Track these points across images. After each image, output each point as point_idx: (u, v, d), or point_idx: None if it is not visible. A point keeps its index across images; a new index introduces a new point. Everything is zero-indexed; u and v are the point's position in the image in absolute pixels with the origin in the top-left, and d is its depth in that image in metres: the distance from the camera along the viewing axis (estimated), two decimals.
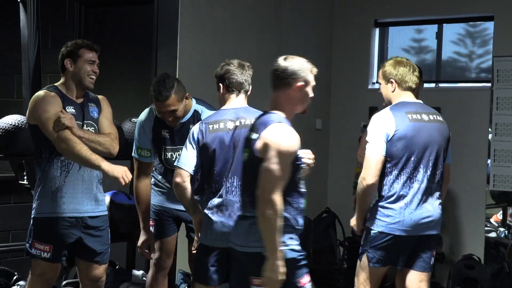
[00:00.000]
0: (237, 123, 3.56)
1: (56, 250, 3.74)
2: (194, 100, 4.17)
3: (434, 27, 6.31)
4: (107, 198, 4.40)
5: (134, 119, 4.62)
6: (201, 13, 5.28)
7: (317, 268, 5.75)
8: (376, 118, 3.75)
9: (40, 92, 3.78)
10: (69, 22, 5.42)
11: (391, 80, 3.80)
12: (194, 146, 3.55)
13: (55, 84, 3.84)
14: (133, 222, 4.38)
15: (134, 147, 4.08)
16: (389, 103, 3.81)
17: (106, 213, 3.93)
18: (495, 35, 5.88)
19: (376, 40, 6.52)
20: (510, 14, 5.80)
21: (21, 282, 4.38)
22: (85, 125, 3.81)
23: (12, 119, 4.23)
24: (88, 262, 3.84)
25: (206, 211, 3.55)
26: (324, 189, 6.43)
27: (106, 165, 3.65)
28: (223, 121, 3.56)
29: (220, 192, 3.51)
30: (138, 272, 4.44)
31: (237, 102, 3.65)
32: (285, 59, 3.29)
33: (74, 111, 3.78)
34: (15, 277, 4.42)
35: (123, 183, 3.65)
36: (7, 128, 4.19)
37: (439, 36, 6.28)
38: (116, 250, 4.42)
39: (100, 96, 3.99)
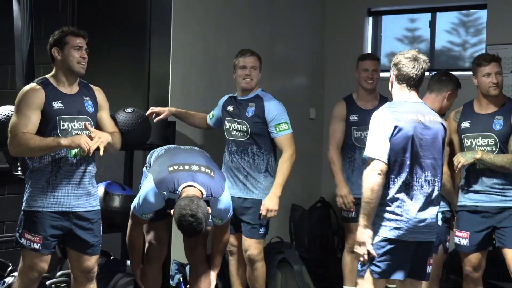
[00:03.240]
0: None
1: (46, 241, 3.74)
2: None
3: (428, 16, 6.31)
4: (101, 189, 4.40)
5: (127, 109, 4.62)
6: (194, 0, 5.26)
7: (311, 257, 5.76)
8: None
9: (26, 87, 3.78)
10: (62, 12, 5.39)
11: None
12: None
13: (47, 76, 3.83)
14: (127, 212, 4.37)
15: (138, 208, 4.04)
16: None
17: (99, 207, 3.92)
18: (488, 23, 5.87)
19: (370, 29, 6.50)
20: (502, 2, 5.79)
21: (16, 273, 4.37)
22: (76, 120, 3.79)
23: (4, 110, 4.21)
24: (79, 253, 3.84)
25: None
26: (318, 179, 6.43)
27: (65, 141, 3.66)
28: None
29: None
30: None
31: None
32: None
33: (62, 105, 3.75)
34: (9, 268, 4.41)
35: (85, 149, 3.66)
36: (0, 118, 4.18)
37: (432, 25, 6.27)
38: (111, 240, 4.42)
39: (96, 88, 3.96)
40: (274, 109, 4.67)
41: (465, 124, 4.45)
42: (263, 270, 4.73)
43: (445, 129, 3.75)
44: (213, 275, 4.34)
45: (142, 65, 5.09)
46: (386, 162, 3.55)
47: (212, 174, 4.02)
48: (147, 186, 3.98)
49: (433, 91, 4.57)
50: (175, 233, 4.63)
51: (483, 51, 5.87)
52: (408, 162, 3.58)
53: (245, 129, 4.67)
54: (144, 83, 5.09)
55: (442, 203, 4.51)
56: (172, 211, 3.82)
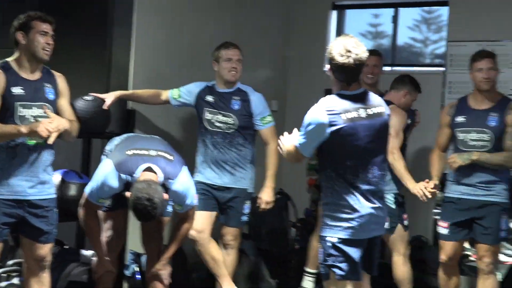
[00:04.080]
0: None
1: None
2: None
3: (391, 11, 6.35)
4: (57, 177, 4.36)
5: (86, 97, 4.57)
6: None
7: (269, 248, 5.78)
8: None
9: None
10: None
11: None
12: None
13: (8, 59, 3.77)
14: None
15: (93, 194, 3.99)
16: None
17: (54, 195, 3.88)
18: (449, 20, 5.94)
19: (334, 23, 6.53)
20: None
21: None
22: (35, 107, 3.74)
23: None
24: (32, 241, 3.80)
25: None
26: (278, 170, 6.43)
27: (25, 128, 3.62)
28: None
29: None
30: (87, 252, 4.40)
31: None
32: None
33: (23, 91, 3.70)
34: None
35: (44, 135, 3.62)
36: None
37: (395, 20, 6.33)
38: (66, 229, 4.38)
39: (58, 75, 3.91)
40: (259, 103, 4.80)
41: (460, 119, 4.53)
42: (237, 257, 4.88)
43: (389, 116, 3.63)
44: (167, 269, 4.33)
45: (103, 53, 5.04)
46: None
47: (171, 158, 4.01)
48: (105, 169, 3.94)
49: (393, 89, 4.91)
50: (132, 223, 4.61)
51: (444, 48, 5.94)
52: (348, 163, 3.49)
53: (232, 122, 4.74)
54: (105, 71, 5.05)
55: (393, 186, 4.76)
56: (128, 193, 3.81)
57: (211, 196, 4.79)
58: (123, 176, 3.89)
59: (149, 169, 3.89)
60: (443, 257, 4.60)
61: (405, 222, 4.90)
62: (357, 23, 6.62)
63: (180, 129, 5.40)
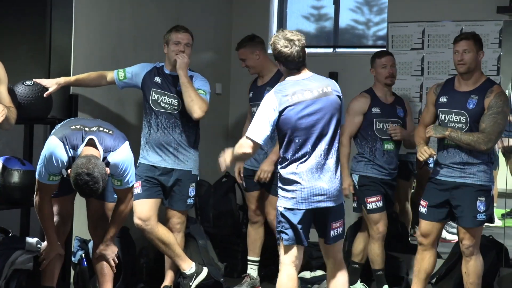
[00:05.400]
0: None
1: None
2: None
3: None
4: None
5: (27, 82, 4.47)
6: None
7: (216, 232, 5.78)
8: None
9: None
10: None
11: None
12: None
13: None
14: (27, 188, 4.26)
15: (42, 173, 3.96)
16: None
17: None
18: (389, 1, 6.00)
19: (275, 5, 6.54)
20: None
21: None
22: None
23: None
24: None
25: None
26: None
27: None
28: None
29: None
30: (32, 240, 4.32)
31: None
32: None
33: None
34: None
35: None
36: None
37: (336, 3, 6.36)
38: (10, 217, 4.29)
39: None
40: (202, 84, 4.73)
41: (442, 99, 4.59)
42: (183, 241, 4.91)
43: (340, 98, 3.94)
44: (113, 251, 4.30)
45: (42, 37, 4.93)
46: (260, 143, 3.84)
47: (110, 132, 4.04)
48: (51, 143, 3.93)
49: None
50: (78, 208, 4.56)
51: (385, 30, 6.00)
52: (298, 140, 3.85)
53: (176, 103, 4.72)
54: (45, 56, 4.94)
55: (359, 167, 4.97)
56: (69, 170, 3.76)
57: (155, 182, 4.76)
58: (68, 148, 3.89)
59: (91, 144, 3.90)
60: (418, 236, 4.67)
61: (368, 206, 4.98)
62: (298, 6, 6.64)
63: (123, 114, 5.34)
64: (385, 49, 5.44)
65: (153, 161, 4.75)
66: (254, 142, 3.83)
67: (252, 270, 5.35)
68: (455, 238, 5.03)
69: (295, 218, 3.87)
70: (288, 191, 3.89)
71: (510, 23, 5.52)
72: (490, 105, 4.38)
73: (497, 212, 5.54)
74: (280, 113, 3.83)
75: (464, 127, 4.47)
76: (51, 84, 4.57)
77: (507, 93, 4.86)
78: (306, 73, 3.93)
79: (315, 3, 6.64)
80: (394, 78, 5.07)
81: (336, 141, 3.93)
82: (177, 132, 4.73)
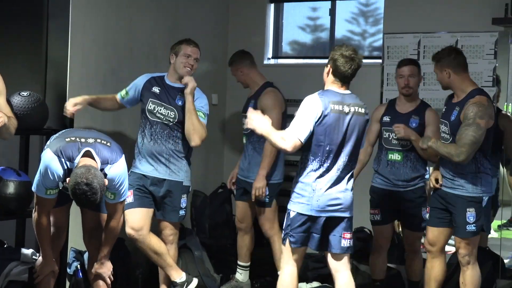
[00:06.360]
0: None
1: None
2: None
3: (328, 4, 6.40)
4: None
5: (23, 93, 4.48)
6: None
7: (212, 243, 5.77)
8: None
9: None
10: None
11: None
12: None
13: None
14: (23, 199, 4.25)
15: (39, 187, 3.95)
16: None
17: None
18: (385, 12, 6.02)
19: (271, 16, 6.55)
20: None
21: None
22: None
23: None
24: None
25: None
26: (220, 164, 6.45)
27: None
28: None
29: None
30: (28, 251, 4.31)
31: None
32: None
33: None
34: None
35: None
36: None
37: (332, 13, 6.38)
38: (5, 228, 4.28)
39: None
40: (201, 101, 4.76)
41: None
42: (177, 252, 4.88)
43: (367, 120, 4.16)
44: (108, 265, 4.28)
45: (39, 48, 4.94)
46: (303, 142, 3.96)
47: (108, 144, 4.02)
48: (46, 157, 3.90)
49: None
50: (74, 219, 4.54)
51: (381, 41, 6.02)
52: (327, 148, 4.00)
53: (173, 116, 4.71)
54: (41, 66, 4.95)
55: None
56: (67, 179, 3.76)
57: (146, 192, 4.74)
58: (64, 161, 3.86)
59: (88, 155, 3.88)
60: (426, 244, 4.71)
61: (369, 216, 5.08)
62: (295, 16, 6.65)
63: (119, 124, 5.33)
64: (410, 58, 5.42)
65: (145, 170, 4.73)
66: (299, 141, 3.96)
67: (239, 274, 5.41)
68: (452, 249, 5.02)
69: (308, 224, 4.03)
70: (303, 196, 4.03)
71: (505, 34, 5.55)
72: (464, 116, 4.43)
73: (493, 224, 5.54)
74: (323, 117, 3.98)
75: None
76: (78, 102, 4.63)
77: (504, 104, 4.90)
78: (347, 90, 4.13)
79: (311, 14, 6.66)
80: (411, 89, 4.95)
81: (354, 157, 4.10)
82: (171, 142, 4.72)
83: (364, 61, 6.26)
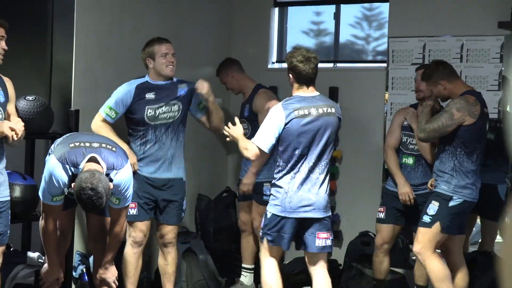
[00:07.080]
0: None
1: None
2: None
3: (332, 8, 6.41)
4: None
5: (28, 97, 4.48)
6: None
7: (217, 247, 5.77)
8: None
9: None
10: None
11: None
12: None
13: None
14: (28, 202, 4.25)
15: (45, 194, 3.95)
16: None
17: (8, 197, 3.81)
18: (390, 16, 6.02)
19: (275, 20, 6.55)
20: None
21: None
22: None
23: None
24: None
25: None
26: (224, 169, 6.44)
27: None
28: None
29: None
30: (34, 254, 4.31)
31: None
32: None
33: None
34: None
35: (10, 136, 3.73)
36: None
37: (336, 17, 6.38)
38: (11, 231, 4.28)
39: (6, 79, 3.89)
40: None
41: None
42: (177, 254, 4.85)
43: (339, 119, 4.22)
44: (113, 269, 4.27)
45: (43, 52, 4.95)
46: (266, 151, 4.15)
47: (113, 149, 4.01)
48: (50, 164, 3.90)
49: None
50: (79, 223, 4.54)
51: (385, 45, 6.02)
52: (296, 152, 4.11)
53: (177, 109, 4.73)
54: (46, 70, 4.95)
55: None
56: (72, 184, 3.75)
57: (151, 199, 4.70)
58: (68, 168, 3.85)
59: (93, 160, 3.87)
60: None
61: (377, 215, 5.07)
62: (299, 21, 6.65)
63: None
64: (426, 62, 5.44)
65: (148, 172, 4.72)
66: (260, 150, 4.12)
67: (243, 277, 5.42)
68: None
69: (281, 225, 4.15)
70: (277, 198, 4.17)
71: (511, 38, 5.53)
72: (446, 105, 4.62)
73: None
74: (286, 124, 4.10)
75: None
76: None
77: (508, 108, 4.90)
78: (313, 92, 4.20)
79: (315, 18, 6.66)
80: (422, 93, 4.93)
81: (327, 158, 4.17)
82: (174, 140, 4.73)
83: (368, 65, 6.35)
